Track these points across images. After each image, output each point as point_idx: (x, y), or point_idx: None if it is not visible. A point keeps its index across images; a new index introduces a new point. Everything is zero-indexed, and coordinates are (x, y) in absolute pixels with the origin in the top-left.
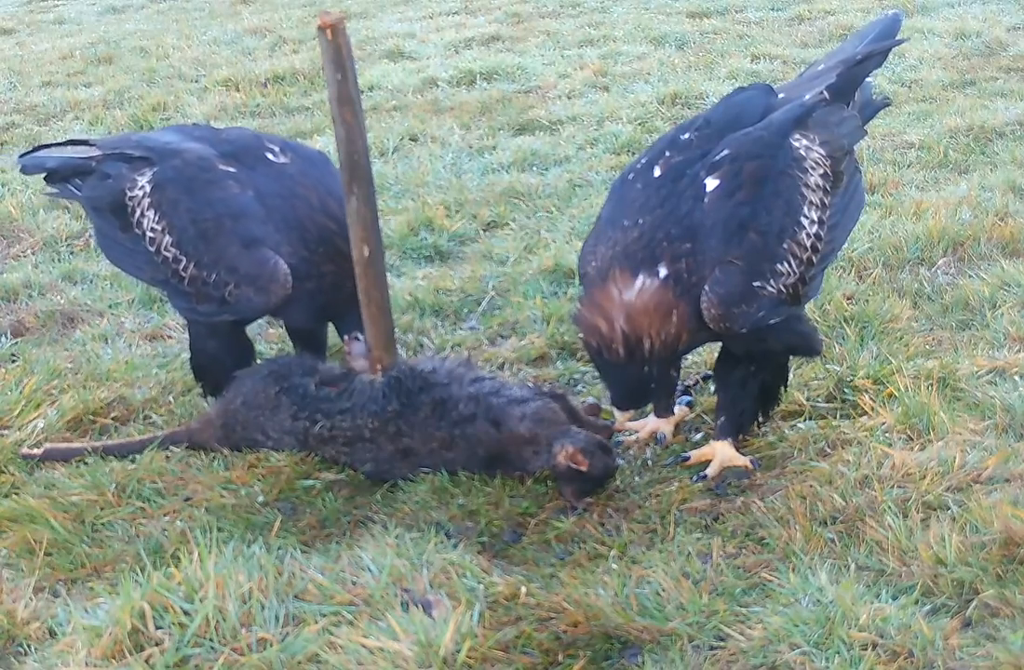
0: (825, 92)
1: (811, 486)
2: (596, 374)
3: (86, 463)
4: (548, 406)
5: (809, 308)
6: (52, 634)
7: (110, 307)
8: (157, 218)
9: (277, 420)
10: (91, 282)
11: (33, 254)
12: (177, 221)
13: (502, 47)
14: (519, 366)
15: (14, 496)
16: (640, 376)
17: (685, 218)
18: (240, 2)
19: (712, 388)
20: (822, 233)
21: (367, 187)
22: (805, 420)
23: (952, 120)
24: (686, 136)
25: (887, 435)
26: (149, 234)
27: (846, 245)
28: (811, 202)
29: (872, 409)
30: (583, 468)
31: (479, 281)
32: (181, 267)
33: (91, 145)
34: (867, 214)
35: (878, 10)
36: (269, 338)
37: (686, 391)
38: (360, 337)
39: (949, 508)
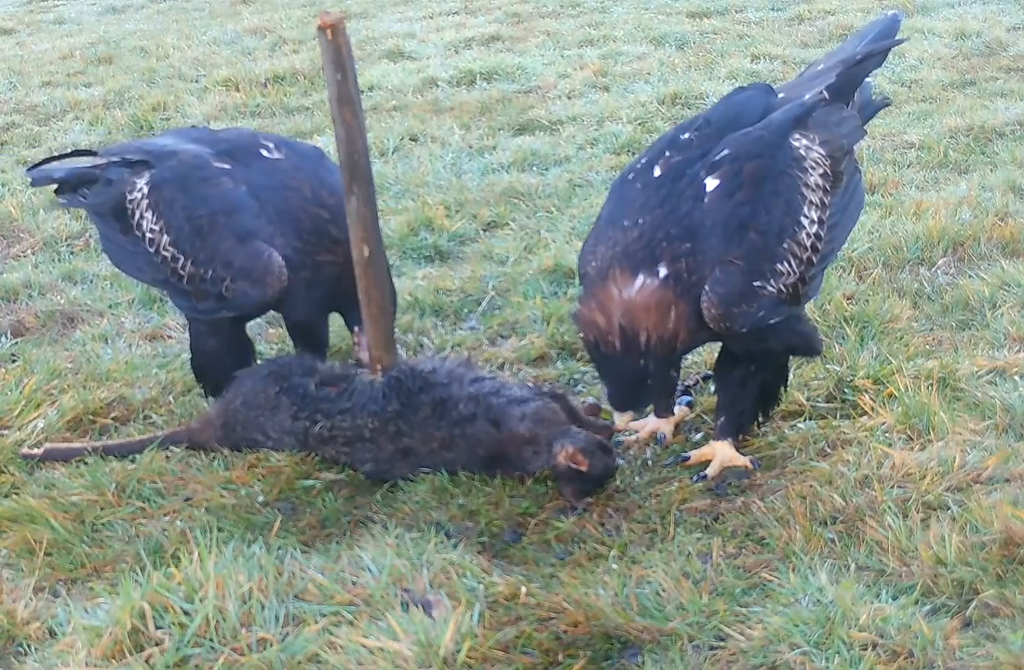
0: (825, 92)
1: (811, 486)
2: (596, 374)
3: (86, 463)
4: (548, 406)
5: (809, 308)
6: (52, 634)
7: (110, 307)
8: (155, 218)
9: (277, 420)
10: (91, 282)
11: (33, 254)
12: (174, 220)
13: (502, 47)
14: (519, 366)
15: (14, 496)
16: (636, 371)
17: (685, 218)
18: (240, 2)
19: (712, 388)
20: (822, 233)
21: (367, 187)
22: (805, 420)
23: (952, 120)
24: (686, 136)
25: (887, 435)
26: (148, 235)
27: (846, 245)
28: (811, 202)
29: (872, 409)
30: (583, 468)
31: (479, 281)
32: (179, 265)
33: (95, 155)
34: (867, 214)
35: (878, 10)
36: (269, 338)
37: (686, 391)
38: None
39: (949, 508)
